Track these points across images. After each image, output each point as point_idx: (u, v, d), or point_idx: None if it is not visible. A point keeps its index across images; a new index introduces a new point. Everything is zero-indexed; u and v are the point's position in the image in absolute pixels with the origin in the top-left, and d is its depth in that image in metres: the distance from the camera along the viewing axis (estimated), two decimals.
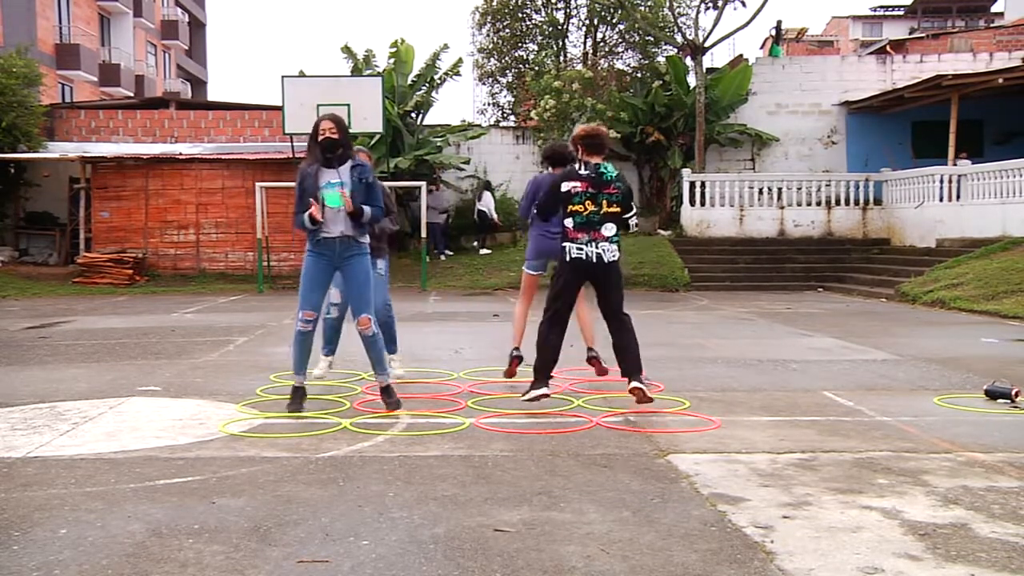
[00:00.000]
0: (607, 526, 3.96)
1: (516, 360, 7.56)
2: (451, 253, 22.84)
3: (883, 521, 4.02)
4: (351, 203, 5.96)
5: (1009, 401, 6.64)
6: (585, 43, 29.91)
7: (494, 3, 29.45)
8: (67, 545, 3.73)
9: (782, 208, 21.31)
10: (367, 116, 18.30)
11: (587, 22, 29.62)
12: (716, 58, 48.30)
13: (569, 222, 6.40)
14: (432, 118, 25.98)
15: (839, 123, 24.26)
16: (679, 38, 24.18)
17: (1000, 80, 19.53)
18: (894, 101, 22.62)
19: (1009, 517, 4.07)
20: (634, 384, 6.32)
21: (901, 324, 12.47)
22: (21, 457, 5.17)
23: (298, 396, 6.13)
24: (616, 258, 6.46)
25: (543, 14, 29.88)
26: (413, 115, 23.94)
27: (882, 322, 12.75)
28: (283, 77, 18.59)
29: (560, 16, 29.71)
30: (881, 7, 58.46)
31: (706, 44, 22.85)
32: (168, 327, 12.15)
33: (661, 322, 12.72)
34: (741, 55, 29.46)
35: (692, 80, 23.22)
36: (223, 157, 21.95)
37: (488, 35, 30.29)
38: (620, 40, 29.65)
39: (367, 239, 6.23)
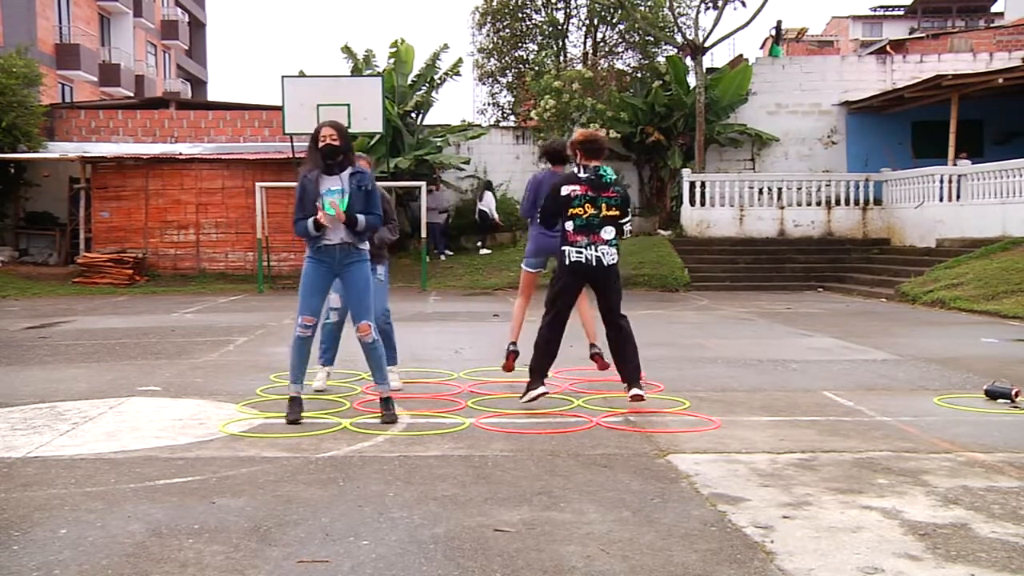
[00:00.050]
0: (607, 526, 3.96)
1: (513, 355, 7.56)
2: (451, 253, 22.84)
3: (883, 521, 4.03)
4: (342, 213, 5.91)
5: (1009, 401, 6.64)
6: (585, 43, 29.91)
7: (494, 3, 29.44)
8: (67, 545, 3.73)
9: (782, 208, 21.31)
10: (367, 116, 18.30)
11: (587, 22, 29.62)
12: (716, 58, 48.35)
13: (569, 225, 6.40)
14: (432, 118, 26.02)
15: (839, 123, 24.26)
16: (679, 38, 24.18)
17: (1000, 80, 19.53)
18: (894, 101, 22.62)
19: (1009, 517, 4.07)
20: (634, 391, 6.39)
21: (901, 324, 12.47)
22: (21, 457, 5.18)
23: (296, 407, 6.05)
24: (615, 261, 6.47)
25: (543, 14, 29.87)
26: (413, 115, 23.94)
27: (882, 322, 12.75)
28: (283, 77, 18.58)
29: (560, 16, 29.71)
30: (881, 7, 58.47)
31: (706, 44, 22.85)
32: (168, 327, 12.15)
33: (661, 322, 12.72)
34: (741, 55, 29.48)
35: (692, 80, 23.21)
36: (223, 157, 21.95)
37: (488, 35, 30.28)
38: (620, 40, 29.64)
39: (367, 246, 6.20)
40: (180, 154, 22.07)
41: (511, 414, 6.30)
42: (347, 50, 24.27)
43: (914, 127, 23.71)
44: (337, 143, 5.97)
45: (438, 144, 23.16)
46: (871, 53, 29.48)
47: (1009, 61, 23.56)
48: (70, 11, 34.21)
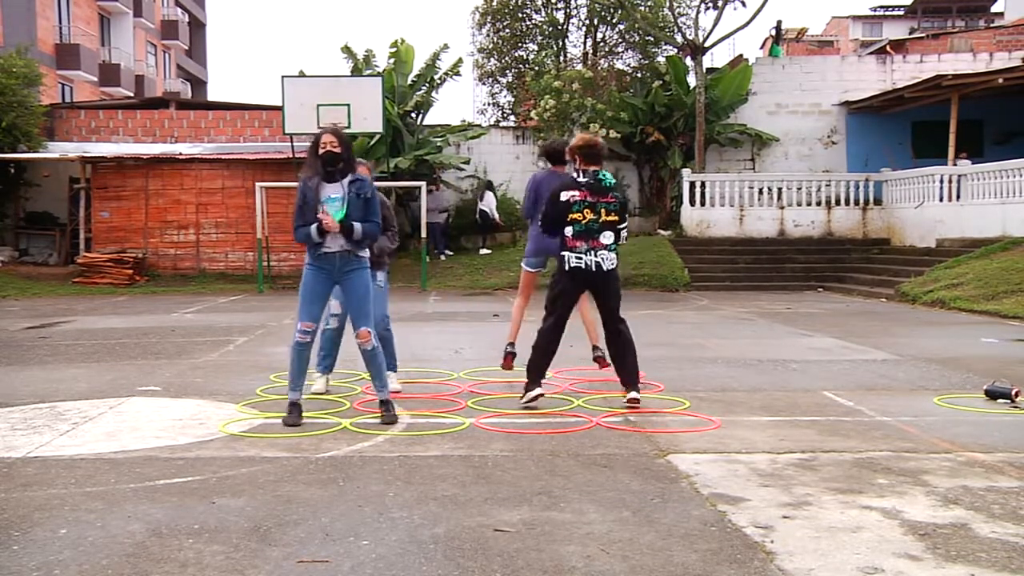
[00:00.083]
0: (607, 526, 3.96)
1: (510, 356, 7.60)
2: (451, 253, 22.84)
3: (883, 521, 4.03)
4: (334, 223, 5.86)
5: (1009, 401, 6.64)
6: (585, 43, 29.90)
7: (494, 3, 29.43)
8: (67, 545, 3.73)
9: (782, 208, 21.31)
10: (367, 116, 18.31)
11: (587, 22, 29.60)
12: (716, 58, 48.34)
13: (568, 231, 6.40)
14: (432, 118, 26.01)
15: (839, 123, 24.26)
16: (679, 38, 24.17)
17: (1000, 80, 19.53)
18: (894, 101, 22.62)
19: (1009, 517, 4.07)
20: (632, 395, 6.41)
21: (901, 324, 12.47)
22: (21, 457, 5.18)
23: (295, 411, 6.03)
24: (615, 266, 6.48)
25: (543, 14, 29.85)
26: (413, 115, 23.94)
27: (882, 322, 12.75)
28: (283, 77, 18.59)
29: (560, 16, 29.69)
30: (881, 7, 58.47)
31: (706, 44, 22.85)
32: (168, 327, 12.15)
33: (661, 322, 12.72)
34: (741, 55, 29.47)
35: (692, 80, 23.21)
36: (223, 157, 21.94)
37: (488, 35, 30.27)
38: (620, 40, 29.63)
39: (367, 253, 6.17)
40: (180, 154, 22.07)
41: (511, 414, 6.30)
42: (347, 50, 24.26)
43: (914, 127, 23.71)
44: (337, 150, 5.94)
45: (438, 144, 23.16)
46: (871, 53, 29.48)
47: (1009, 61, 23.56)
48: (70, 11, 34.21)
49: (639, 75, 25.77)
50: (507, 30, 29.94)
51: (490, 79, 30.83)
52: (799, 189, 21.39)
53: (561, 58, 29.00)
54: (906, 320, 13.04)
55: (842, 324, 12.37)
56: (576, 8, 29.51)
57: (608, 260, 6.41)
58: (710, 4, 22.78)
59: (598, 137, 6.77)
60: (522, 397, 6.51)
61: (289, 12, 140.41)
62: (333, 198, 5.94)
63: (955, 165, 19.65)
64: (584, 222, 6.36)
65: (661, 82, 23.59)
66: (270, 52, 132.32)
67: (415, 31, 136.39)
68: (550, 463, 5.02)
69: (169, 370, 8.38)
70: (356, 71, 23.56)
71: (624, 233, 6.58)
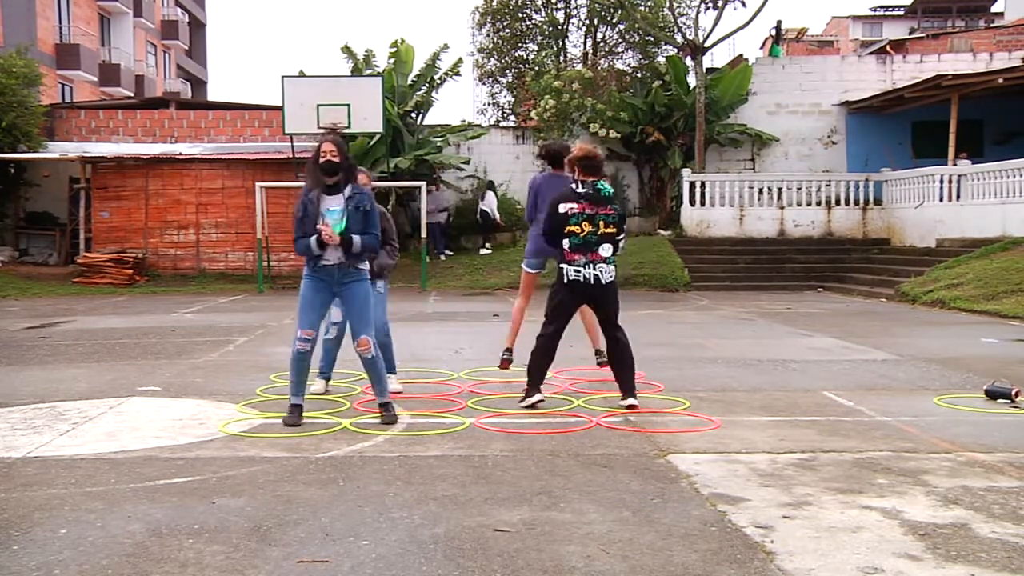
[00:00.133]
0: (607, 526, 3.96)
1: (507, 362, 7.72)
2: (451, 253, 22.84)
3: (883, 521, 4.03)
4: (334, 235, 5.84)
5: (1009, 401, 6.65)
6: (585, 43, 29.90)
7: (494, 3, 29.43)
8: (67, 545, 3.73)
9: (782, 208, 21.31)
10: (367, 116, 18.30)
11: (587, 22, 29.60)
12: (716, 58, 48.32)
13: (566, 243, 6.40)
14: (432, 118, 25.99)
15: (839, 123, 24.26)
16: (679, 38, 24.17)
17: (1000, 80, 19.52)
18: (894, 101, 22.62)
19: (1009, 517, 4.07)
20: (630, 401, 6.42)
21: (901, 324, 12.47)
22: (21, 457, 5.18)
23: (296, 411, 6.03)
24: (613, 278, 6.49)
25: (543, 14, 29.85)
26: (413, 115, 23.92)
27: (882, 322, 12.75)
28: (283, 77, 18.58)
29: (560, 16, 29.69)
30: (881, 7, 58.46)
31: (706, 44, 22.84)
32: (168, 327, 12.15)
33: (661, 322, 12.72)
34: (741, 55, 29.47)
35: (692, 80, 23.20)
36: (223, 157, 21.94)
37: (488, 35, 30.26)
38: (620, 40, 29.62)
39: (367, 265, 6.14)
40: (180, 154, 22.07)
41: (511, 414, 6.30)
42: (347, 50, 24.25)
43: (914, 127, 23.70)
44: (336, 160, 5.91)
45: (438, 144, 23.15)
46: (871, 53, 29.48)
47: (1009, 61, 23.55)
48: (70, 11, 34.21)
49: (639, 75, 25.76)
50: (507, 30, 29.94)
51: (490, 79, 30.83)
52: (799, 189, 21.39)
53: (561, 58, 29.00)
54: (906, 320, 13.04)
55: (842, 324, 12.37)
56: (576, 8, 29.53)
57: (607, 273, 6.42)
58: (710, 4, 22.78)
59: (597, 148, 6.77)
60: (521, 400, 6.51)
61: (289, 12, 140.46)
62: (333, 210, 5.91)
63: (955, 165, 19.65)
64: (582, 235, 6.37)
65: (661, 82, 23.59)
66: (270, 52, 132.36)
67: (415, 31, 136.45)
68: (550, 463, 5.02)
69: (169, 370, 8.38)
70: (356, 71, 23.56)
71: (623, 243, 6.59)
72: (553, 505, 4.26)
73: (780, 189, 21.50)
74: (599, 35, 29.84)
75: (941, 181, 18.97)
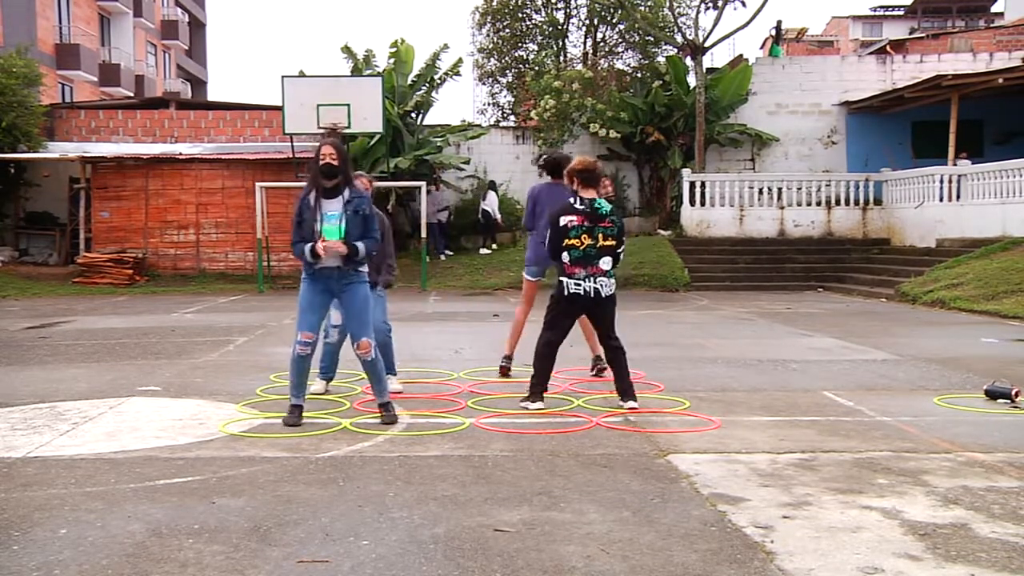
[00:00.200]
0: (607, 526, 3.96)
1: (505, 368, 7.78)
2: (451, 253, 22.84)
3: (883, 521, 4.03)
4: (342, 245, 5.83)
5: (1009, 401, 6.65)
6: (585, 43, 29.90)
7: (494, 3, 29.42)
8: (67, 545, 3.73)
9: (782, 208, 21.31)
10: (367, 116, 18.29)
11: (587, 22, 29.59)
12: (716, 58, 48.29)
13: (566, 256, 6.41)
14: (432, 118, 25.99)
15: (839, 123, 24.26)
16: (679, 38, 24.17)
17: (1000, 80, 19.53)
18: (894, 101, 22.62)
19: (1009, 517, 4.07)
20: (630, 404, 6.42)
21: (901, 324, 12.47)
22: (21, 457, 5.18)
23: (296, 411, 6.03)
24: (613, 291, 6.51)
25: (543, 14, 29.85)
26: (413, 115, 23.93)
27: (882, 322, 12.75)
28: (283, 77, 18.58)
29: (560, 16, 29.69)
30: (881, 7, 58.44)
31: (706, 44, 22.85)
32: (168, 327, 12.15)
33: (661, 322, 12.72)
34: (741, 55, 29.46)
35: (692, 80, 23.21)
36: (223, 157, 21.95)
37: (488, 35, 30.25)
38: (620, 40, 29.62)
39: (365, 268, 6.13)
40: (180, 154, 22.07)
41: (511, 414, 6.30)
42: (347, 50, 24.25)
43: (914, 127, 23.71)
44: (335, 163, 5.89)
45: (438, 144, 23.16)
46: (871, 53, 29.48)
47: (1009, 61, 23.56)
48: (70, 11, 34.20)
49: (639, 75, 25.76)
50: (507, 30, 29.94)
51: (490, 79, 30.82)
52: (799, 189, 21.39)
53: (561, 58, 29.00)
54: (906, 320, 13.04)
55: (842, 324, 12.37)
56: (576, 8, 29.52)
57: (607, 287, 6.45)
58: (710, 4, 22.78)
59: (596, 161, 6.79)
60: (522, 400, 6.51)
61: (289, 12, 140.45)
62: (331, 214, 5.90)
63: (955, 165, 19.65)
64: (582, 248, 6.38)
65: (661, 82, 23.59)
66: (270, 52, 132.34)
67: (415, 31, 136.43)
68: (550, 463, 5.02)
69: (169, 370, 8.38)
70: (356, 71, 23.56)
71: (623, 256, 6.62)
72: (553, 505, 4.26)
73: (780, 189, 21.51)
74: (599, 35, 29.84)
75: (941, 181, 18.98)
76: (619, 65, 27.80)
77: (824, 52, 35.72)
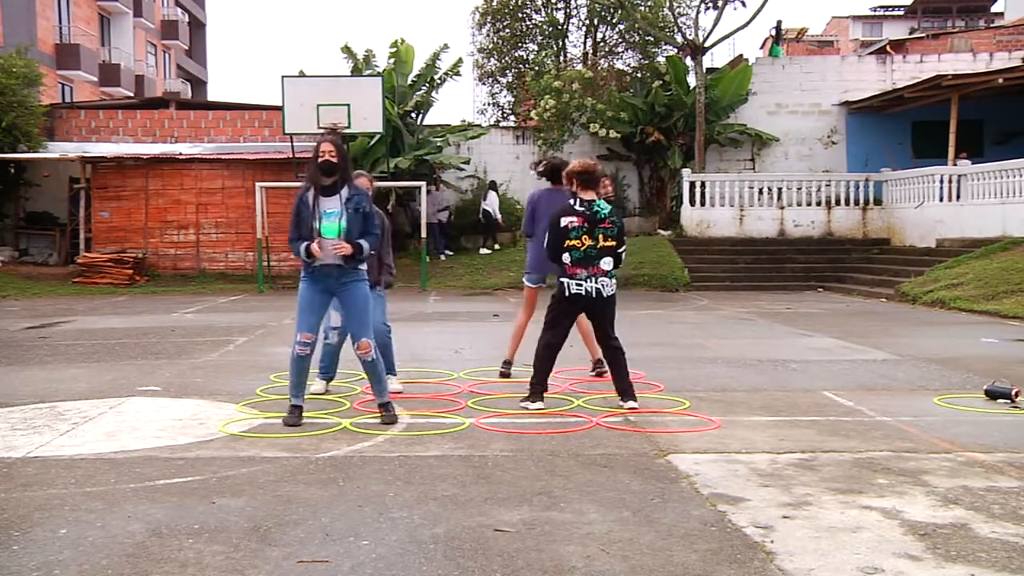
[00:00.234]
0: (607, 526, 3.96)
1: (505, 374, 7.78)
2: (451, 253, 22.84)
3: (883, 521, 4.03)
4: (346, 246, 5.82)
5: (1009, 401, 6.65)
6: (585, 43, 29.89)
7: (494, 3, 29.42)
8: (67, 545, 3.73)
9: (782, 208, 21.31)
10: (367, 116, 18.29)
11: (587, 22, 29.59)
12: (716, 58, 48.29)
13: (567, 257, 6.42)
14: (432, 118, 25.99)
15: (839, 123, 24.26)
16: (679, 38, 24.17)
17: (1000, 80, 19.53)
18: (894, 101, 22.62)
19: (1009, 517, 4.07)
20: (630, 404, 6.42)
21: (901, 324, 12.47)
22: (21, 457, 5.18)
23: (296, 411, 6.03)
24: (613, 291, 6.52)
25: (543, 14, 29.85)
26: (413, 115, 23.93)
27: (882, 322, 12.75)
28: (283, 77, 18.57)
29: (560, 16, 29.68)
30: (881, 7, 58.44)
31: (706, 44, 22.85)
32: (168, 327, 12.15)
33: (661, 322, 12.72)
34: (741, 55, 29.47)
35: (692, 80, 23.21)
36: (223, 157, 21.95)
37: (488, 35, 30.25)
38: (620, 40, 29.62)
39: (364, 266, 6.12)
40: (180, 154, 22.07)
41: (511, 414, 6.30)
42: (347, 50, 24.25)
43: (914, 127, 23.71)
44: (334, 160, 5.89)
45: (438, 144, 23.16)
46: (871, 53, 29.48)
47: (1009, 61, 23.56)
48: (70, 11, 34.20)
49: (639, 75, 25.76)
50: (507, 30, 29.93)
51: (490, 79, 30.82)
52: (799, 189, 21.40)
53: (561, 58, 28.99)
54: (906, 320, 13.04)
55: (842, 324, 12.37)
56: (576, 8, 29.52)
57: (608, 287, 6.46)
58: (710, 4, 22.78)
59: (596, 163, 6.81)
60: (523, 400, 6.52)
61: (289, 12, 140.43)
62: (329, 212, 5.90)
63: (955, 165, 19.65)
64: (583, 248, 6.40)
65: (661, 82, 23.59)
66: (270, 52, 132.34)
67: (415, 31, 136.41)
68: (550, 463, 5.02)
69: (169, 370, 8.38)
70: (356, 71, 23.56)
71: (624, 256, 6.63)
72: (553, 505, 4.26)
73: (780, 189, 21.51)
74: (599, 35, 29.84)
75: (941, 181, 18.98)
76: (619, 65, 27.80)
77: (824, 52, 35.72)
